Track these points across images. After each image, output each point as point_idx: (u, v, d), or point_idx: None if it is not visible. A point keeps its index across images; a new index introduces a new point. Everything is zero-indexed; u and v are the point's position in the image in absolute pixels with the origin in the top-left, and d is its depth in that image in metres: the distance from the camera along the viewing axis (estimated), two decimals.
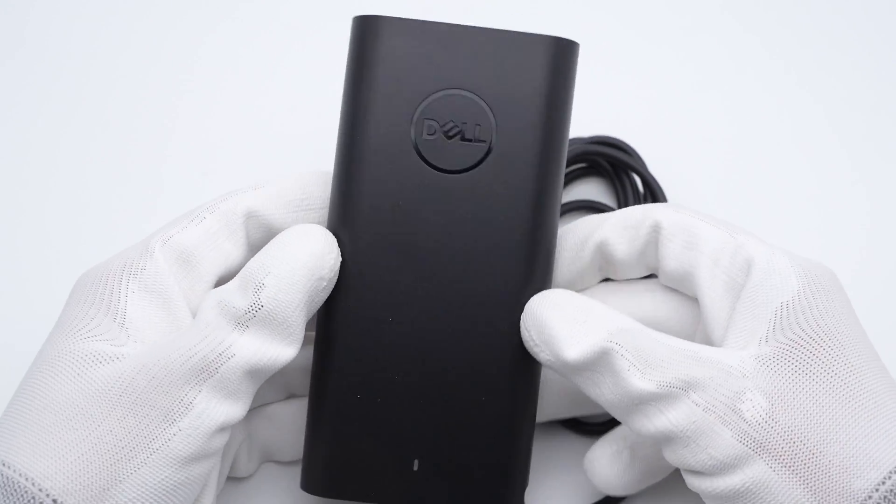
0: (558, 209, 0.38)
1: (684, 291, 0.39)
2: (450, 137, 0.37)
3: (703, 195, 0.49)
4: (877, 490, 0.33)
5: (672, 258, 0.38)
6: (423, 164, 0.37)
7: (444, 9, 0.51)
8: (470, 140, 0.37)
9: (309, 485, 0.38)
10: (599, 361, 0.35)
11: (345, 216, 0.37)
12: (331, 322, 0.37)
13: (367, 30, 0.37)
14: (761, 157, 0.50)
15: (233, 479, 0.42)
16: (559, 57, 0.37)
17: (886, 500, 0.32)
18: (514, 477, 0.38)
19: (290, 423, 0.41)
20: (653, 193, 0.48)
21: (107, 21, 0.53)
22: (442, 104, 0.37)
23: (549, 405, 0.41)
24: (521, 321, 0.36)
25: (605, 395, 0.35)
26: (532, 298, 0.36)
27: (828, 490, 0.33)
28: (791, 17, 0.52)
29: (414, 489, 0.37)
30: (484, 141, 0.37)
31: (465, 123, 0.37)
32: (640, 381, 0.34)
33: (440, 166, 0.37)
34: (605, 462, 0.40)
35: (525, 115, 0.37)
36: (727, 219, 0.39)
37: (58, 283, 0.45)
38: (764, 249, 0.36)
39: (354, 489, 0.37)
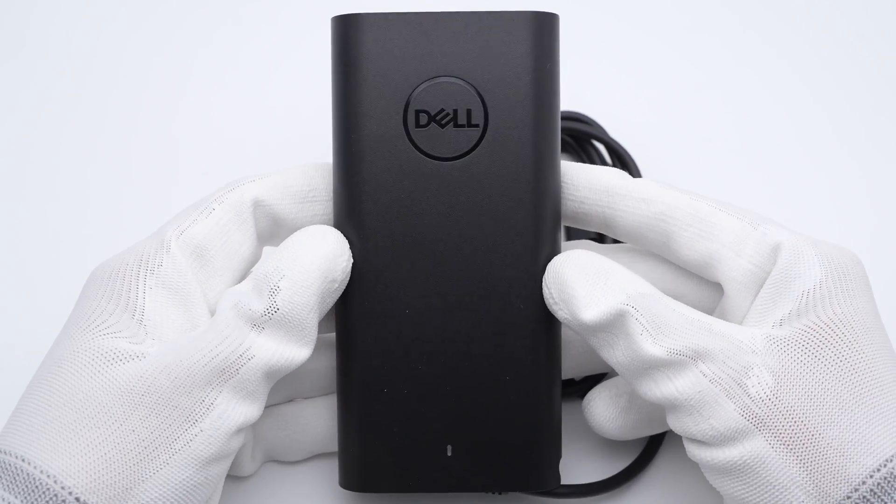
0: (559, 178, 0.38)
1: (705, 277, 0.39)
2: (443, 125, 0.37)
3: (667, 161, 0.50)
4: (871, 476, 0.33)
5: (688, 248, 0.38)
6: (419, 154, 0.37)
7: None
8: (463, 125, 0.37)
9: (348, 482, 0.39)
10: (614, 324, 0.35)
11: (350, 216, 0.37)
12: (349, 321, 0.37)
13: (347, 29, 0.37)
14: (729, 121, 0.51)
15: (235, 477, 0.42)
16: (540, 31, 0.37)
17: (880, 487, 0.33)
18: (546, 451, 0.38)
19: (295, 424, 0.41)
20: (620, 158, 0.48)
21: (109, 21, 0.53)
22: (430, 93, 0.37)
23: (573, 363, 0.41)
24: (544, 279, 0.37)
25: (617, 358, 0.36)
26: (556, 257, 0.37)
27: (823, 471, 0.33)
28: None
29: (450, 474, 0.38)
30: (477, 125, 0.37)
31: (456, 110, 0.37)
32: (651, 346, 0.35)
33: (436, 155, 0.37)
34: (601, 403, 0.40)
35: (514, 93, 0.37)
36: (699, 190, 0.40)
37: (59, 283, 0.46)
38: (789, 237, 0.37)
39: (392, 482, 0.38)
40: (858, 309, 0.36)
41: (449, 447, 0.38)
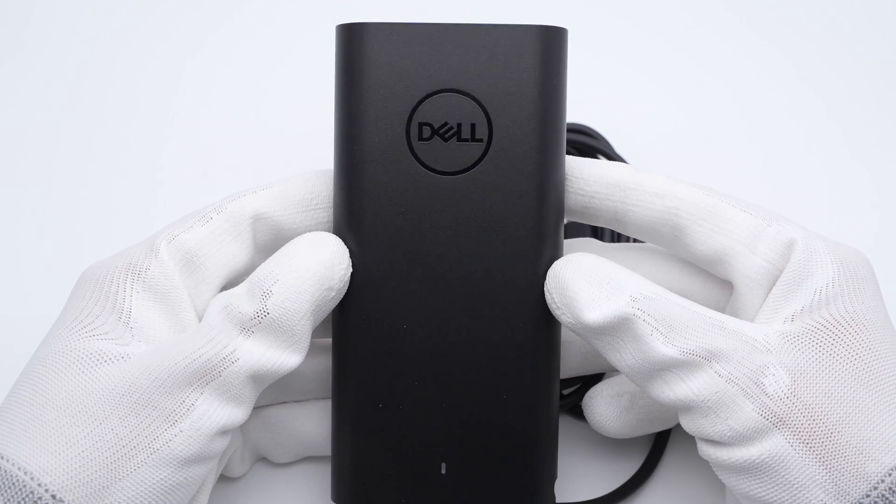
0: (563, 195, 0.38)
1: (715, 274, 0.39)
2: (446, 139, 0.36)
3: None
4: (889, 475, 0.33)
5: (702, 243, 0.38)
6: (421, 168, 0.36)
7: (429, 8, 0.52)
8: (466, 140, 0.36)
9: (340, 496, 0.38)
10: (620, 327, 0.35)
11: (350, 227, 0.37)
12: (347, 333, 0.37)
13: (352, 38, 0.36)
14: (731, 138, 0.51)
15: (227, 480, 0.42)
16: (548, 46, 0.36)
17: None
18: (542, 472, 0.38)
19: (283, 428, 0.41)
20: None
21: (107, 21, 0.53)
22: (435, 106, 0.36)
23: (574, 362, 0.41)
24: (546, 283, 0.37)
25: (625, 361, 0.35)
26: (557, 261, 0.37)
27: (842, 469, 0.33)
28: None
29: (444, 492, 0.37)
30: (480, 140, 0.36)
31: (460, 124, 0.36)
32: (664, 346, 0.34)
33: (439, 169, 0.36)
34: (602, 402, 0.40)
35: (520, 109, 0.36)
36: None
37: (57, 284, 0.45)
38: (802, 234, 0.37)
39: (385, 497, 0.37)
40: (870, 308, 0.36)
41: (443, 464, 0.37)
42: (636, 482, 0.42)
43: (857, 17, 0.54)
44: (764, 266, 0.37)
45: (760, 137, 0.52)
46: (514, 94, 0.36)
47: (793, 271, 0.36)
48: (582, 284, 0.35)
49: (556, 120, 0.37)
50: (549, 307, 0.36)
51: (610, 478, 0.43)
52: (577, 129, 0.49)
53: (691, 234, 0.38)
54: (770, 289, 0.37)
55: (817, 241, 0.37)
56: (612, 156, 0.48)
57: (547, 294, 0.36)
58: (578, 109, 0.49)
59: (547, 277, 0.37)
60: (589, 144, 0.48)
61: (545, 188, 0.36)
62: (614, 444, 0.43)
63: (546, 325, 0.37)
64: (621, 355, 0.35)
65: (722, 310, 0.39)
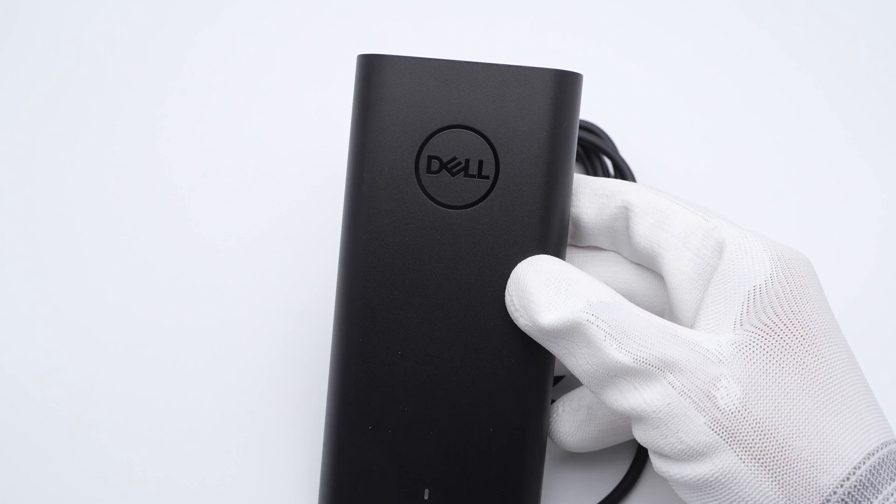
0: (566, 237, 0.38)
1: (653, 270, 0.39)
2: (453, 174, 0.37)
3: (672, 182, 0.50)
4: (841, 486, 0.33)
5: (642, 236, 0.38)
6: (427, 200, 0.37)
7: (449, 45, 0.51)
8: (473, 176, 0.37)
9: None
10: (575, 331, 0.35)
11: (354, 253, 0.38)
12: (343, 357, 0.38)
13: (371, 69, 0.37)
14: (734, 146, 0.51)
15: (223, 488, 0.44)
16: (561, 89, 0.37)
17: (850, 496, 0.33)
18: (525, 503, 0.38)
19: None
20: (623, 177, 0.48)
21: (111, 21, 0.52)
22: (445, 141, 0.37)
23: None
24: (507, 285, 0.37)
25: (580, 366, 0.35)
26: (519, 264, 0.37)
27: (795, 484, 0.33)
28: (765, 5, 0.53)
29: None
30: (487, 177, 0.37)
31: (468, 160, 0.37)
32: (618, 352, 0.34)
33: (444, 202, 0.37)
34: (561, 418, 0.40)
35: (528, 149, 0.37)
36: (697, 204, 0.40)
37: (57, 284, 0.46)
38: (736, 232, 0.36)
39: None
40: (814, 308, 0.36)
41: (426, 491, 0.38)
42: (616, 497, 0.43)
43: (861, 18, 0.53)
44: (694, 260, 0.37)
45: (764, 137, 0.51)
46: (524, 135, 0.37)
47: (727, 268, 0.36)
48: (540, 287, 0.36)
49: (563, 162, 0.37)
50: (508, 309, 0.37)
51: (590, 493, 0.43)
52: (584, 126, 0.49)
53: (634, 227, 0.38)
54: (703, 287, 0.37)
55: (752, 239, 0.36)
56: (615, 158, 0.48)
57: (507, 296, 0.37)
58: (585, 106, 0.49)
59: (509, 280, 0.37)
60: (594, 143, 0.48)
61: (547, 229, 0.37)
62: (593, 458, 0.44)
63: (538, 360, 0.38)
64: (577, 360, 0.36)
65: (662, 312, 0.39)
